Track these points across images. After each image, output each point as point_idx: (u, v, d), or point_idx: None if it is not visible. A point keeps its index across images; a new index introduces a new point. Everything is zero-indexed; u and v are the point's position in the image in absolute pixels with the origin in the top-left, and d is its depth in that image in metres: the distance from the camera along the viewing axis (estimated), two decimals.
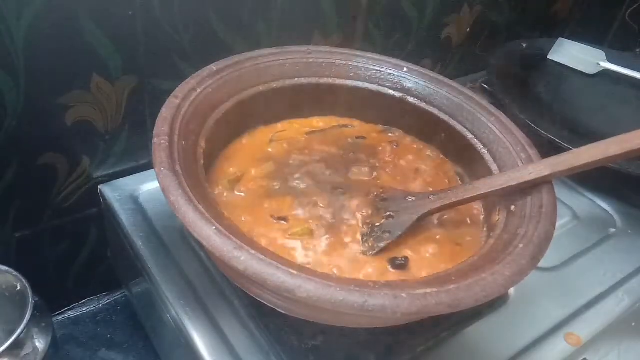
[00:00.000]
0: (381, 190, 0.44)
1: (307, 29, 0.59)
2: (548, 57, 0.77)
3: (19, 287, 0.44)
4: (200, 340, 0.40)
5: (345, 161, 0.47)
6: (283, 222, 0.41)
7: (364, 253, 0.39)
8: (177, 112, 0.40)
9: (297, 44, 0.50)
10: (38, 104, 0.46)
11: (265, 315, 0.41)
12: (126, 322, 0.57)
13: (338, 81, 0.50)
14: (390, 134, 0.52)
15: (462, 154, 0.48)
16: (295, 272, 0.30)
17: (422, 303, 0.30)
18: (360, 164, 0.47)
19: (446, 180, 0.47)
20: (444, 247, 0.41)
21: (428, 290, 0.31)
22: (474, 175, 0.47)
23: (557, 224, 0.37)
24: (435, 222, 0.43)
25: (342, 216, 0.42)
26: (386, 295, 0.30)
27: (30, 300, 0.43)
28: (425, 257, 0.40)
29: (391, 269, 0.38)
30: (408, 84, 0.50)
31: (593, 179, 0.60)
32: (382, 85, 0.50)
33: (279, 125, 0.50)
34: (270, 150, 0.47)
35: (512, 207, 0.39)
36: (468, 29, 0.75)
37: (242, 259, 0.31)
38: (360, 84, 0.50)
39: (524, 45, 0.77)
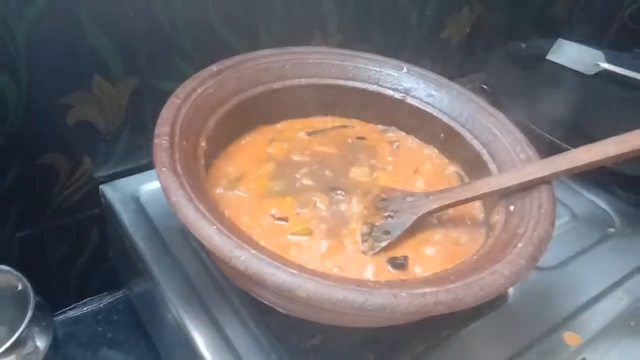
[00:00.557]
0: (381, 190, 0.44)
1: (307, 29, 0.59)
2: (547, 57, 0.77)
3: (20, 287, 0.45)
4: (200, 340, 0.40)
5: (345, 161, 0.47)
6: (283, 222, 0.41)
7: (363, 253, 0.39)
8: (177, 112, 0.40)
9: (297, 44, 0.50)
10: (39, 104, 0.46)
11: (266, 315, 0.41)
12: (127, 322, 0.58)
13: (338, 82, 0.50)
14: (390, 134, 0.52)
15: (461, 153, 0.48)
16: (295, 272, 0.30)
17: (422, 302, 0.30)
18: (360, 164, 0.47)
19: (445, 180, 0.48)
20: (443, 247, 0.41)
21: (427, 290, 0.31)
22: (473, 175, 0.47)
23: (556, 224, 0.37)
24: (435, 222, 0.43)
25: (342, 216, 0.42)
26: (386, 295, 0.30)
27: (32, 299, 0.43)
28: (425, 257, 0.40)
29: (391, 269, 0.39)
30: (408, 85, 0.50)
31: (592, 178, 0.60)
32: (382, 86, 0.50)
33: (279, 126, 0.50)
34: (270, 150, 0.48)
35: (511, 207, 0.39)
36: (468, 30, 0.75)
37: (242, 259, 0.31)
38: (360, 85, 0.50)
39: (523, 45, 0.77)
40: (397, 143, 0.51)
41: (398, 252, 0.40)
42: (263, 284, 0.31)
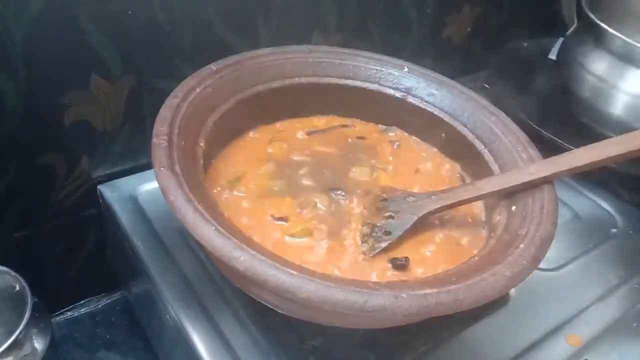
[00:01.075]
0: (381, 191, 0.44)
1: (307, 29, 0.59)
2: (549, 56, 0.76)
3: (17, 288, 0.44)
4: (199, 341, 0.40)
5: (345, 161, 0.47)
6: (283, 222, 0.41)
7: (364, 253, 0.39)
8: (176, 111, 0.39)
9: (297, 43, 0.50)
10: (37, 103, 0.45)
11: (265, 316, 0.41)
12: (125, 323, 0.57)
13: (338, 81, 0.50)
14: (390, 134, 0.51)
15: (462, 153, 0.48)
16: (295, 273, 0.30)
17: (423, 303, 0.30)
18: (361, 164, 0.47)
19: (447, 180, 0.47)
20: (444, 248, 0.41)
21: (428, 291, 0.31)
22: (474, 175, 0.46)
23: (558, 224, 0.37)
24: (436, 222, 0.43)
25: (342, 217, 0.42)
26: (386, 296, 0.30)
27: (29, 300, 0.43)
28: (426, 258, 0.40)
29: (392, 270, 0.38)
30: (409, 84, 0.50)
31: (594, 179, 0.60)
32: (382, 85, 0.50)
33: (279, 125, 0.50)
34: (270, 150, 0.47)
35: (513, 207, 0.39)
36: (469, 29, 0.75)
37: (242, 260, 0.30)
38: (360, 84, 0.50)
39: (525, 44, 0.77)
40: (397, 143, 0.50)
41: (399, 252, 0.40)
42: (263, 285, 0.30)
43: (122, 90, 0.50)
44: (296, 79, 0.48)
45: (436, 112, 0.49)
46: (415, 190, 0.44)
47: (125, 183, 0.52)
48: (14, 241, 0.51)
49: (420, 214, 0.41)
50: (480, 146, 0.45)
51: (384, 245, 0.39)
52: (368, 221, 0.41)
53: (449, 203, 0.41)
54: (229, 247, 0.31)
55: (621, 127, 0.60)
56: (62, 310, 0.58)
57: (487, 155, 0.45)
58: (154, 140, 0.37)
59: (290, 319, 0.37)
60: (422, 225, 0.41)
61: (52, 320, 0.47)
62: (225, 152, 0.46)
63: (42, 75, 0.44)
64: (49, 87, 0.46)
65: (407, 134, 0.51)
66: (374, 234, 0.40)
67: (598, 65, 0.61)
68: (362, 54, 0.51)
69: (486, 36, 0.78)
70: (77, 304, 0.59)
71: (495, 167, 0.44)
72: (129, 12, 0.46)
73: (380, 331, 0.39)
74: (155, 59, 0.50)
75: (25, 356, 0.42)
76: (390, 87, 0.50)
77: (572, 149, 0.40)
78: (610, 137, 0.59)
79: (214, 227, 0.32)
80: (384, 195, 0.43)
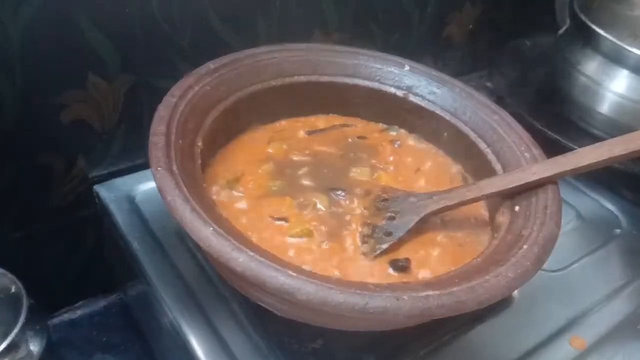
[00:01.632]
0: (382, 191, 0.44)
1: (306, 27, 0.58)
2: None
3: (13, 289, 0.44)
4: (197, 343, 0.39)
5: (345, 161, 0.47)
6: (282, 222, 0.40)
7: (364, 255, 0.39)
8: (174, 110, 0.39)
9: (296, 41, 0.50)
10: (34, 103, 0.45)
11: (264, 318, 0.40)
12: (122, 325, 0.57)
13: (338, 79, 0.49)
14: (391, 133, 0.51)
15: (465, 153, 0.47)
16: (294, 274, 0.30)
17: (424, 305, 0.30)
18: (361, 164, 0.47)
19: (449, 180, 0.47)
20: (446, 249, 0.40)
21: (430, 293, 0.30)
22: (477, 175, 0.46)
23: (562, 225, 0.37)
24: (438, 222, 0.42)
25: (343, 217, 0.42)
26: (387, 298, 0.29)
27: (25, 302, 0.42)
28: (428, 259, 0.39)
29: (392, 271, 0.38)
30: (410, 82, 0.49)
31: (598, 179, 0.60)
32: (383, 83, 0.49)
33: (279, 125, 0.50)
34: (269, 150, 0.47)
35: (516, 208, 0.39)
36: (470, 27, 0.74)
37: (240, 261, 0.30)
38: (361, 82, 0.49)
39: (527, 42, 0.76)
40: (398, 142, 0.50)
41: (400, 254, 0.39)
42: (262, 287, 0.30)
43: (120, 90, 0.49)
44: (295, 77, 0.48)
45: (438, 110, 0.48)
46: (416, 191, 0.44)
47: (122, 183, 0.52)
48: (10, 242, 0.51)
49: (422, 215, 0.40)
50: (482, 145, 0.45)
51: (385, 246, 0.39)
52: (369, 222, 0.41)
53: (451, 203, 0.40)
54: (227, 248, 0.31)
55: (608, 126, 0.61)
56: (58, 312, 0.58)
57: (490, 155, 0.44)
58: (152, 139, 0.36)
59: (290, 321, 0.37)
60: (423, 226, 0.41)
61: (49, 322, 0.47)
62: (223, 152, 0.45)
63: (39, 74, 0.44)
64: (46, 86, 0.45)
65: (408, 133, 0.51)
66: (375, 235, 0.40)
67: (587, 65, 0.62)
68: (362, 52, 0.50)
69: (488, 34, 0.78)
70: (74, 305, 0.59)
71: (497, 166, 0.43)
72: (127, 11, 0.46)
73: (381, 333, 0.38)
74: (153, 58, 0.49)
75: (21, 359, 0.42)
76: (391, 86, 0.50)
77: (576, 149, 0.40)
78: (598, 135, 0.60)
79: (211, 228, 0.31)
80: (385, 195, 0.43)
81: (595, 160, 0.38)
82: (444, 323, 0.42)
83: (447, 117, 0.48)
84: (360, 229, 0.41)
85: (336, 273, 0.37)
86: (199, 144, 0.40)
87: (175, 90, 0.41)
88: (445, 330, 0.43)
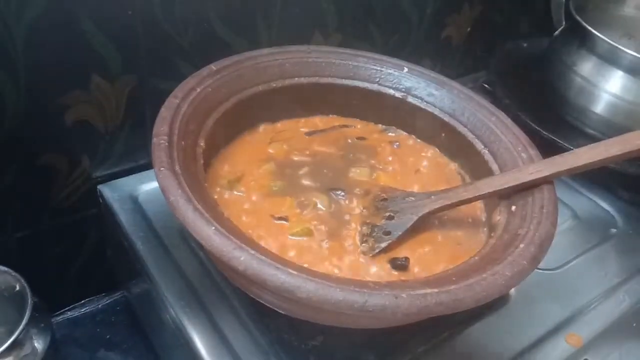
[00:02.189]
0: (381, 190, 0.44)
1: (307, 29, 0.59)
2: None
3: (18, 288, 0.44)
4: (199, 341, 0.40)
5: (345, 161, 0.47)
6: (283, 222, 0.41)
7: (363, 253, 0.39)
8: (176, 111, 0.39)
9: (297, 43, 0.50)
10: (38, 104, 0.45)
11: (265, 316, 0.41)
12: (125, 323, 0.57)
13: (338, 81, 0.50)
14: (390, 134, 0.51)
15: (462, 153, 0.48)
16: (295, 272, 0.30)
17: (423, 303, 0.30)
18: (360, 165, 0.47)
19: (447, 180, 0.47)
20: (444, 248, 0.41)
21: (428, 291, 0.30)
22: (474, 175, 0.46)
23: (558, 224, 0.37)
24: (436, 222, 0.43)
25: (342, 217, 0.42)
26: (386, 296, 0.30)
27: (30, 300, 0.43)
28: (426, 258, 0.40)
29: (392, 270, 0.38)
30: (408, 84, 0.50)
31: (594, 179, 0.60)
32: (382, 85, 0.50)
33: (279, 125, 0.50)
34: (270, 150, 0.47)
35: (513, 208, 0.39)
36: (468, 29, 0.75)
37: (242, 259, 0.30)
38: (360, 84, 0.50)
39: (525, 44, 0.77)
40: (397, 143, 0.50)
41: (399, 252, 0.40)
42: (263, 285, 0.30)
43: (123, 91, 0.50)
44: (296, 79, 0.48)
45: (436, 112, 0.49)
46: (415, 190, 0.45)
47: (126, 183, 0.52)
48: (15, 241, 0.51)
49: (420, 214, 0.41)
50: (480, 146, 0.45)
51: (383, 245, 0.39)
52: (368, 221, 0.41)
53: (449, 203, 0.41)
54: (228, 247, 0.31)
55: (603, 126, 0.61)
56: (62, 310, 0.58)
57: (487, 155, 0.45)
58: (154, 140, 0.37)
59: (290, 318, 0.37)
60: (422, 225, 0.41)
61: (52, 320, 0.47)
62: (225, 152, 0.46)
63: (43, 75, 0.44)
64: (50, 87, 0.46)
65: (407, 134, 0.51)
66: (374, 234, 0.40)
67: (583, 65, 0.62)
68: (362, 54, 0.51)
69: (486, 36, 0.78)
70: (78, 304, 0.59)
71: (495, 166, 0.44)
72: (130, 12, 0.46)
73: (380, 331, 0.39)
74: (155, 59, 0.50)
75: (25, 356, 0.42)
76: (390, 87, 0.50)
77: (572, 149, 0.40)
78: (593, 135, 0.60)
79: (213, 227, 0.32)
80: (384, 195, 0.43)
81: (591, 161, 0.39)
82: (442, 321, 0.42)
83: (446, 118, 0.48)
84: (359, 229, 0.41)
85: (336, 272, 0.37)
86: (201, 144, 0.41)
87: (178, 91, 0.41)
88: (443, 327, 0.43)
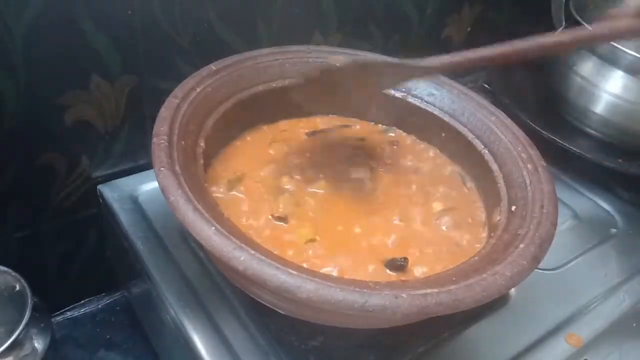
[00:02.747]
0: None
1: (307, 29, 0.59)
2: None
3: (17, 288, 0.44)
4: (199, 341, 0.40)
5: (345, 162, 0.47)
6: (282, 223, 0.40)
7: None
8: (176, 112, 0.40)
9: (297, 43, 0.50)
10: (37, 104, 0.45)
11: (265, 316, 0.41)
12: (125, 323, 0.57)
13: None
14: (390, 134, 0.51)
15: (462, 153, 0.48)
16: (295, 272, 0.30)
17: (423, 303, 0.30)
18: (360, 165, 0.47)
19: (446, 180, 0.47)
20: (444, 248, 0.41)
21: (428, 291, 0.30)
22: (474, 175, 0.47)
23: (558, 224, 0.37)
24: (436, 222, 0.43)
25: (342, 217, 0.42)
26: (386, 296, 0.30)
27: (29, 300, 0.43)
28: (425, 258, 0.40)
29: (390, 271, 0.38)
30: (408, 84, 0.50)
31: (594, 178, 0.60)
32: None
33: (280, 125, 0.50)
34: (270, 150, 0.47)
35: (513, 207, 0.39)
36: (468, 29, 0.75)
37: (242, 259, 0.30)
38: None
39: None
40: (397, 143, 0.50)
41: (398, 253, 0.39)
42: (263, 285, 0.30)
43: (122, 91, 0.50)
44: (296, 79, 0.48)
45: (436, 112, 0.49)
46: (414, 191, 0.44)
47: (125, 183, 0.52)
48: (14, 241, 0.51)
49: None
50: (480, 146, 0.45)
51: None
52: None
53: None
54: (228, 247, 0.31)
55: (603, 126, 0.62)
56: (62, 310, 0.58)
57: (487, 155, 0.45)
58: (154, 140, 0.37)
59: (290, 318, 0.37)
60: (421, 226, 0.41)
61: (52, 320, 0.47)
62: (225, 152, 0.46)
63: (42, 75, 0.44)
64: (49, 87, 0.45)
65: (406, 134, 0.51)
66: None
67: (583, 66, 0.62)
68: (362, 53, 0.51)
69: (486, 36, 0.77)
70: (77, 304, 0.59)
71: (495, 166, 0.44)
72: (129, 12, 0.46)
73: (380, 331, 0.39)
74: (155, 59, 0.50)
75: (25, 356, 0.42)
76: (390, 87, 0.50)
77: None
78: (593, 134, 0.60)
79: (213, 227, 0.32)
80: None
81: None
82: (442, 321, 0.42)
83: (446, 118, 0.48)
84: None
85: (336, 272, 0.37)
86: (201, 144, 0.41)
87: (178, 91, 0.41)
88: (443, 327, 0.43)
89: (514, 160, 0.43)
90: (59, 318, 0.57)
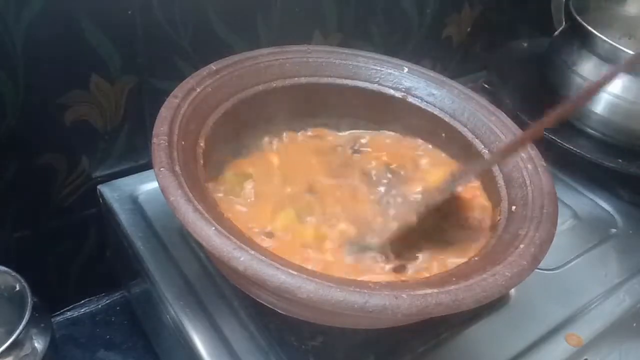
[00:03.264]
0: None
1: (307, 29, 0.59)
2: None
3: (17, 288, 0.44)
4: (199, 341, 0.40)
5: (345, 162, 0.47)
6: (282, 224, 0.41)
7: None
8: (176, 111, 0.39)
9: (297, 43, 0.50)
10: (37, 104, 0.46)
11: (265, 316, 0.41)
12: (125, 323, 0.57)
13: (338, 81, 0.49)
14: (390, 134, 0.51)
15: (462, 153, 0.48)
16: (295, 272, 0.30)
17: (423, 304, 0.30)
18: (361, 166, 0.47)
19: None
20: (443, 247, 0.41)
21: (428, 291, 0.30)
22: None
23: (558, 224, 0.37)
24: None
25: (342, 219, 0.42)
26: (386, 296, 0.30)
27: (29, 300, 0.43)
28: (425, 258, 0.40)
29: (390, 271, 0.38)
30: (408, 84, 0.49)
31: (594, 179, 0.60)
32: (382, 85, 0.50)
33: (280, 126, 0.50)
34: (271, 151, 0.47)
35: (513, 208, 0.39)
36: (468, 29, 0.75)
37: (242, 260, 0.30)
38: (360, 84, 0.50)
39: (525, 44, 0.77)
40: (397, 143, 0.50)
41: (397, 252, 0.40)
42: (263, 285, 0.30)
43: (122, 90, 0.50)
44: (296, 79, 0.48)
45: (436, 112, 0.48)
46: (415, 190, 0.45)
47: (125, 183, 0.52)
48: (14, 241, 0.51)
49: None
50: (480, 146, 0.45)
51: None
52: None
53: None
54: (228, 247, 0.31)
55: (603, 125, 0.62)
56: (62, 310, 0.58)
57: (487, 155, 0.45)
58: (154, 140, 0.37)
59: (290, 319, 0.37)
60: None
61: (52, 320, 0.47)
62: (225, 153, 0.46)
63: (42, 75, 0.44)
64: (49, 87, 0.46)
65: (406, 134, 0.51)
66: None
67: (583, 65, 0.62)
68: (362, 54, 0.50)
69: (486, 36, 0.78)
70: (77, 304, 0.59)
71: (494, 166, 0.44)
72: (129, 12, 0.46)
73: (380, 331, 0.39)
74: (155, 59, 0.50)
75: (25, 356, 0.42)
76: (390, 87, 0.50)
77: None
78: (593, 135, 0.60)
79: (213, 227, 0.32)
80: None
81: None
82: (442, 321, 0.42)
83: (446, 118, 0.48)
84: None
85: (335, 273, 0.37)
86: (201, 144, 0.41)
87: (178, 91, 0.41)
88: (443, 327, 0.43)
89: (513, 160, 0.43)
90: (59, 318, 0.57)
